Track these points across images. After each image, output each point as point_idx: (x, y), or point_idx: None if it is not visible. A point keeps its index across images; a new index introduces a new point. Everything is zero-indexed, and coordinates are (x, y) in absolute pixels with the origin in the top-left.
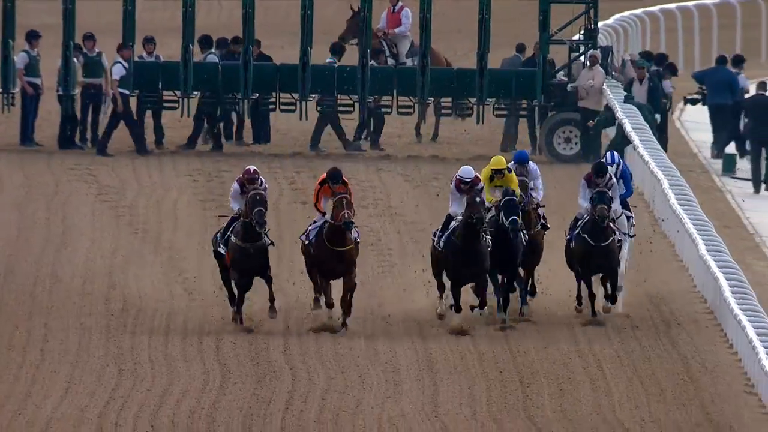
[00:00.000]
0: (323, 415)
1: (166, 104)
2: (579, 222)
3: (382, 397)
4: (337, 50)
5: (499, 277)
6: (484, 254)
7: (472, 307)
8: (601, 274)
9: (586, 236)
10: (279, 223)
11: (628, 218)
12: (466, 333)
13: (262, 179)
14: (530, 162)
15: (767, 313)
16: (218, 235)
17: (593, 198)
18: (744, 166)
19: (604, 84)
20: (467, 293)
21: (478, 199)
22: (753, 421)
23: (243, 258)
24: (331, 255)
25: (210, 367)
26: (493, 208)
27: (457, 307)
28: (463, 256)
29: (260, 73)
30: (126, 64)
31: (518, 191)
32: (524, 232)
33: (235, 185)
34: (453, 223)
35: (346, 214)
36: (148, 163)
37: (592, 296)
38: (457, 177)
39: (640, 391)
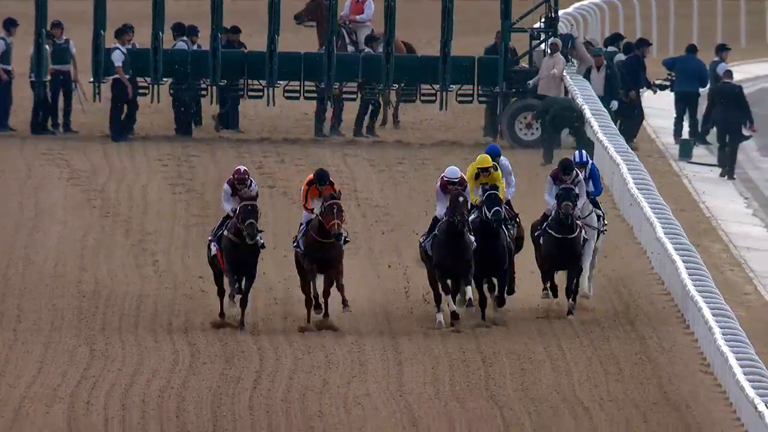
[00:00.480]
0: (290, 394)
1: (139, 91)
2: (548, 218)
3: (348, 376)
4: None
5: (485, 287)
6: (468, 249)
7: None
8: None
9: (552, 231)
10: None
11: (599, 217)
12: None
13: (252, 179)
14: (502, 157)
15: (722, 294)
16: (212, 236)
17: (559, 195)
18: (700, 152)
19: (564, 72)
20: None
21: (461, 199)
22: (708, 399)
23: (235, 254)
24: (319, 246)
25: (179, 348)
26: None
27: (446, 289)
28: (447, 250)
29: (228, 60)
30: (124, 50)
31: (503, 189)
32: (511, 224)
33: (226, 186)
34: (439, 223)
35: (336, 225)
36: (119, 148)
37: (555, 292)
38: (443, 177)
39: (599, 371)
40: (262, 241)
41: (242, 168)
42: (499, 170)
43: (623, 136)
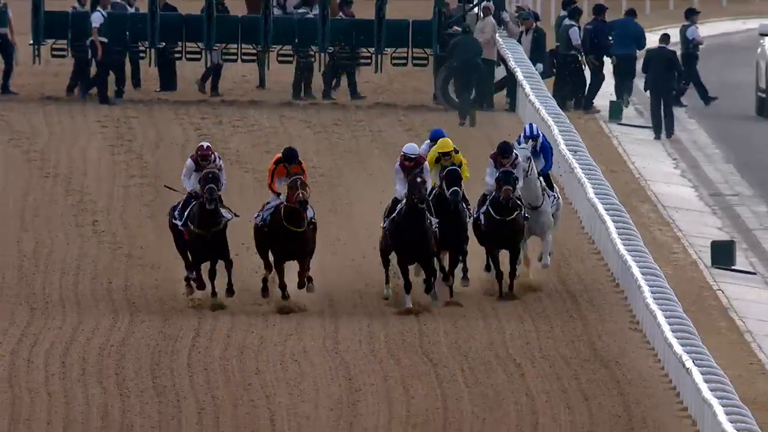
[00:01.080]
0: (228, 351)
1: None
2: (487, 198)
3: (285, 334)
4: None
5: (445, 261)
6: (429, 235)
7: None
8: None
9: (492, 212)
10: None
11: (551, 196)
12: (418, 313)
13: (216, 155)
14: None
15: (651, 253)
16: (177, 209)
17: (499, 178)
18: (630, 113)
19: (497, 35)
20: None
21: (419, 179)
22: (637, 356)
23: (201, 244)
24: (288, 235)
25: (119, 306)
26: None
27: (407, 284)
28: (408, 237)
29: (167, 22)
30: (104, 13)
31: (466, 172)
32: (468, 207)
33: (189, 162)
34: (399, 206)
35: (300, 195)
36: (58, 109)
37: (499, 275)
38: (402, 153)
39: (531, 328)
40: (229, 216)
41: (205, 144)
42: (460, 153)
43: (581, 101)
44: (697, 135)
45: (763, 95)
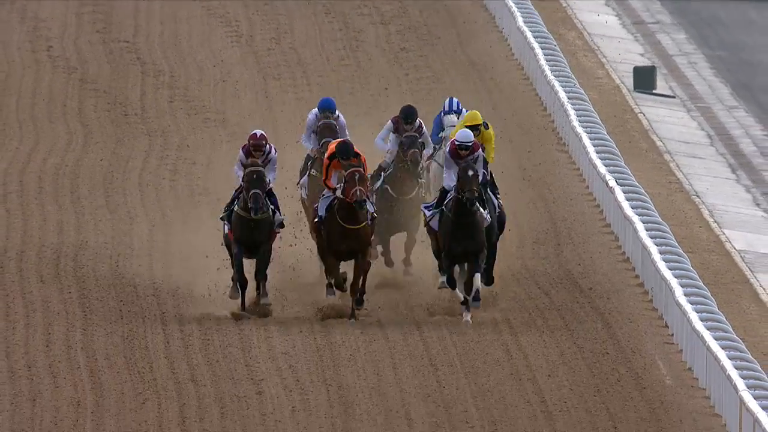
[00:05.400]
0: (179, 166)
1: None
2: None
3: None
4: None
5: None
6: (480, 230)
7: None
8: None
9: (388, 187)
10: None
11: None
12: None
13: (271, 145)
14: (338, 112)
15: (577, 79)
16: (225, 213)
17: (403, 143)
18: None
19: None
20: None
21: (470, 173)
22: (564, 175)
23: (244, 229)
24: (343, 233)
25: (73, 129)
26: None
27: (451, 282)
28: (457, 230)
29: None
30: None
31: (492, 154)
32: (498, 197)
33: (241, 153)
34: (448, 197)
35: (357, 192)
36: None
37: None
38: (454, 141)
39: None
40: (281, 217)
41: (258, 132)
42: (490, 129)
43: None
44: None
45: None
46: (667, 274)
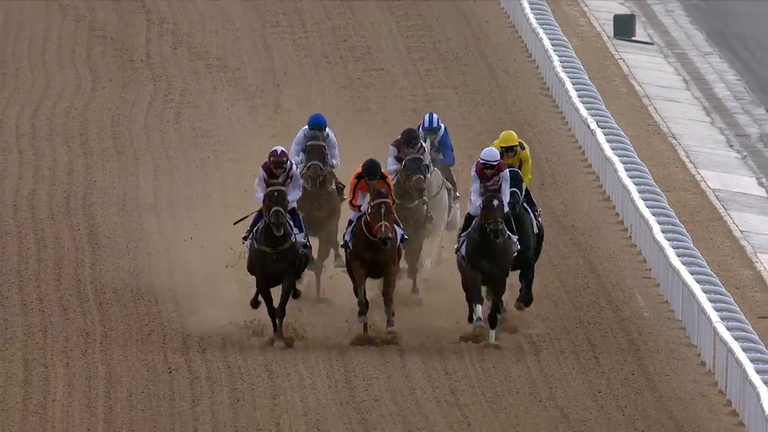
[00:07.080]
0: (182, 109)
1: None
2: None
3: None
4: None
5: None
6: (505, 257)
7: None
8: None
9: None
10: None
11: (449, 190)
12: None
13: (292, 161)
14: (328, 130)
15: (561, 27)
16: (247, 237)
17: (406, 166)
18: None
19: None
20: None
21: (495, 203)
22: (547, 119)
23: (264, 263)
24: (370, 245)
25: (82, 74)
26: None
27: (477, 297)
28: (481, 254)
29: None
30: None
31: (528, 176)
32: (538, 215)
33: (262, 171)
34: (473, 223)
35: (383, 227)
36: None
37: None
38: (480, 160)
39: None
40: (303, 240)
41: (279, 149)
42: (527, 150)
43: None
44: None
45: None
46: (646, 212)
